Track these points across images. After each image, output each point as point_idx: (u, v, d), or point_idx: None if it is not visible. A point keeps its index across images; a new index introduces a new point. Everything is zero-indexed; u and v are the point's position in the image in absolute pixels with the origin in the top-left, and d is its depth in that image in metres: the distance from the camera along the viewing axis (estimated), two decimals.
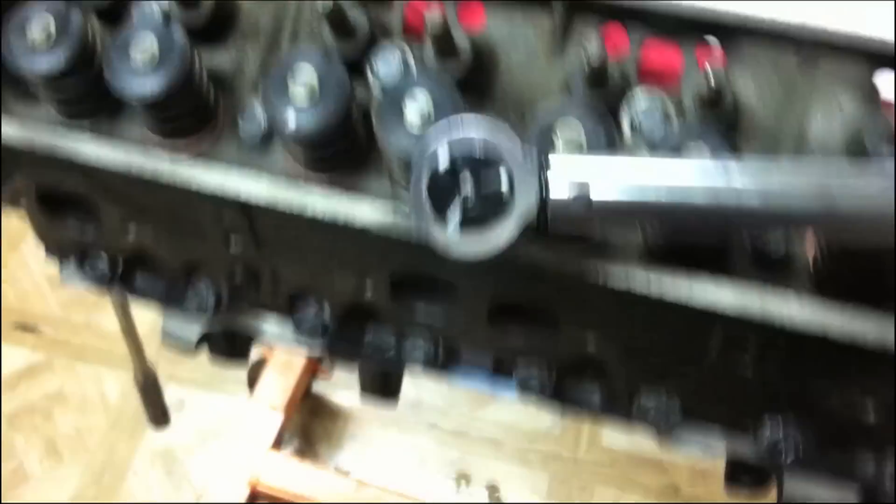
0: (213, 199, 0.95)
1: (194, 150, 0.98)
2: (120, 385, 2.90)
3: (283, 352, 2.50)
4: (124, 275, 1.15)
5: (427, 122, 0.85)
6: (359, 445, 2.77)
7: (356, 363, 1.25)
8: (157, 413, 2.60)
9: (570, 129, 0.85)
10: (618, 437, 2.66)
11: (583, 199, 0.73)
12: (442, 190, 0.74)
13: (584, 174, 0.74)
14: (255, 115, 0.98)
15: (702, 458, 1.06)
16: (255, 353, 2.78)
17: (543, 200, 0.73)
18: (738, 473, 1.13)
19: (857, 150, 0.87)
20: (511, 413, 2.77)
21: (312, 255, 1.01)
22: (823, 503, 1.04)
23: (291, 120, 0.88)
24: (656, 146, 0.88)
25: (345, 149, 0.93)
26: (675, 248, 0.86)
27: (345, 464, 2.70)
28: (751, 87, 0.93)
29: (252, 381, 2.56)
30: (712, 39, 0.93)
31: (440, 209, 0.74)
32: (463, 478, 2.71)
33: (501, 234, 0.74)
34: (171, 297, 1.15)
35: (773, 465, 1.04)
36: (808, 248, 0.87)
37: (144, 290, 1.17)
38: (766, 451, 0.98)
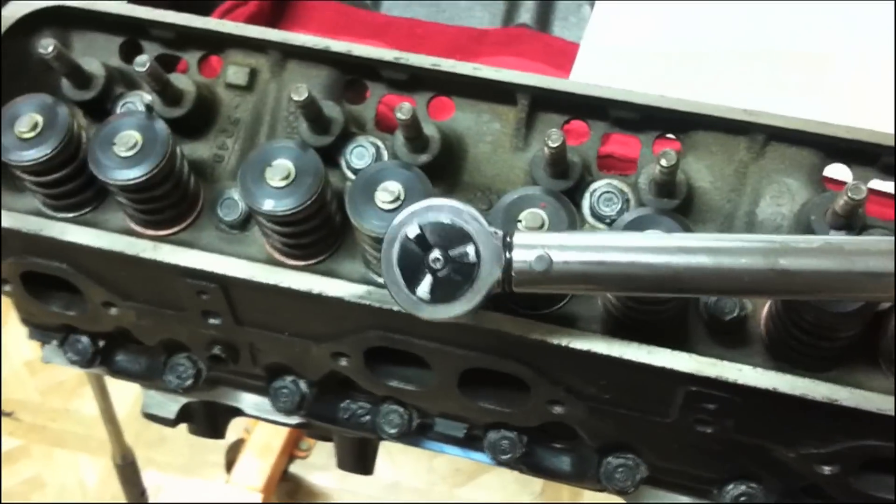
0: (193, 279, 0.98)
1: (175, 236, 1.02)
2: (98, 471, 2.88)
3: (261, 433, 2.51)
4: (105, 354, 1.17)
5: (398, 205, 0.90)
6: None
7: (333, 435, 1.28)
8: (136, 496, 2.58)
9: (532, 215, 0.92)
10: None
11: (544, 262, 0.78)
12: (412, 261, 0.80)
13: (545, 245, 0.80)
14: (234, 202, 1.03)
15: None
16: (232, 435, 2.78)
17: (508, 266, 0.79)
18: None
19: (803, 229, 0.93)
20: (490, 493, 2.77)
21: (289, 330, 1.04)
22: None
23: (268, 203, 0.92)
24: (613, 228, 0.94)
25: (319, 234, 0.98)
26: (636, 316, 0.90)
27: None
28: (704, 173, 0.98)
29: (230, 464, 2.56)
30: (669, 134, 1.00)
31: (410, 278, 0.80)
32: None
33: (469, 302, 0.79)
34: (151, 375, 1.17)
35: None
36: (763, 316, 0.93)
37: (124, 369, 1.19)
38: None
